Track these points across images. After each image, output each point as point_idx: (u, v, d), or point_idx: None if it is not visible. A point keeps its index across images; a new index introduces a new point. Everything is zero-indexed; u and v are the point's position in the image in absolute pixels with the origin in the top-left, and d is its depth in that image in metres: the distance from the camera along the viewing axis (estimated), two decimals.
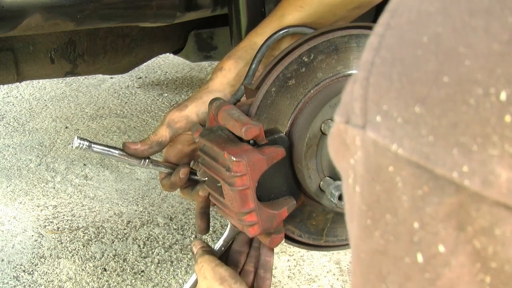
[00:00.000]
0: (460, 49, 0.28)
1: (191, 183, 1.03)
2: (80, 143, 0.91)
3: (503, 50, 0.27)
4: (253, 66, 0.98)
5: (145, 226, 2.04)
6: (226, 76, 0.97)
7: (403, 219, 0.30)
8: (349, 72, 0.97)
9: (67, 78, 3.17)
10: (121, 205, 2.16)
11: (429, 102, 0.29)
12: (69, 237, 2.00)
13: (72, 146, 0.92)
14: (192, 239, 1.96)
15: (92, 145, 0.92)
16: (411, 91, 0.29)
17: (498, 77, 0.27)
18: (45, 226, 2.05)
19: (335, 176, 0.96)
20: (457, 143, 0.28)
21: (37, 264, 1.87)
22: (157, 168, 0.99)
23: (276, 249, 1.88)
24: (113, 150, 0.95)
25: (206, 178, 0.95)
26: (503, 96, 0.27)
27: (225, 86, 0.97)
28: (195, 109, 0.95)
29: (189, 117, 0.95)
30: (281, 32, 0.97)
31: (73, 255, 1.91)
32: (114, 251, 1.93)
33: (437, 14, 0.30)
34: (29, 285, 1.79)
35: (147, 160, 0.97)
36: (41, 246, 1.95)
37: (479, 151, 0.27)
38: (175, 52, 1.86)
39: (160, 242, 1.97)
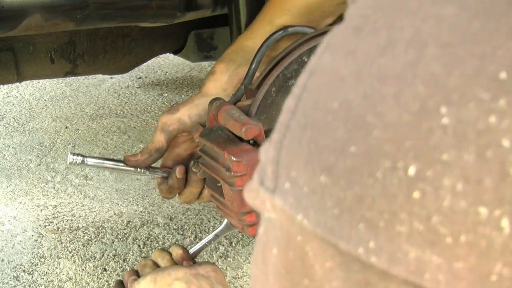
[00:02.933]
0: (369, 118, 0.27)
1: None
2: (73, 159, 0.92)
3: (412, 121, 0.26)
4: (253, 66, 0.98)
5: (145, 226, 2.04)
6: (218, 79, 0.98)
7: (320, 286, 0.29)
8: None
9: (67, 78, 3.17)
10: (121, 205, 2.16)
11: (335, 172, 0.27)
12: (69, 237, 2.00)
13: (66, 162, 0.93)
14: (192, 239, 1.97)
15: (86, 159, 0.93)
16: (318, 159, 0.28)
17: (407, 150, 0.26)
18: (45, 226, 2.05)
19: None
20: (363, 218, 0.27)
21: (37, 264, 1.87)
22: (154, 174, 0.99)
23: None
24: (107, 162, 0.96)
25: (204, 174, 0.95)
26: (411, 171, 0.26)
27: (218, 89, 0.98)
28: (187, 112, 0.96)
29: (181, 119, 0.95)
30: (280, 32, 0.97)
31: (73, 255, 1.91)
32: (114, 251, 1.93)
33: (350, 79, 0.28)
34: (29, 285, 1.79)
35: (143, 168, 0.97)
36: (41, 246, 1.95)
37: (386, 228, 0.26)
38: (175, 52, 1.86)
39: (160, 242, 1.97)
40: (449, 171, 0.25)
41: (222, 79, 0.97)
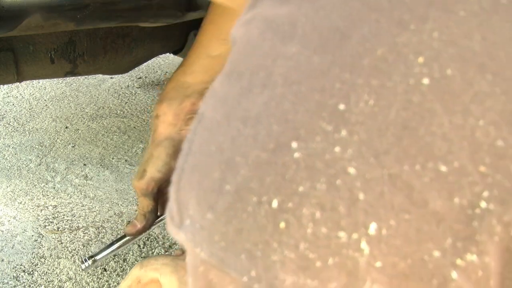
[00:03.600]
0: (236, 159, 0.29)
1: None
2: (86, 265, 0.95)
3: (270, 159, 0.28)
4: None
5: None
6: (164, 121, 0.97)
7: None
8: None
9: (67, 78, 3.17)
10: (121, 205, 2.16)
11: (217, 209, 0.30)
12: (69, 237, 2.00)
13: (82, 269, 0.97)
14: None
15: (97, 257, 0.97)
16: (204, 198, 0.31)
17: (268, 185, 0.28)
18: (45, 226, 2.05)
19: None
20: (243, 249, 0.29)
21: (37, 264, 1.87)
22: (161, 222, 1.02)
23: None
24: (116, 245, 1.00)
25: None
26: (275, 203, 0.28)
27: (168, 129, 0.98)
28: (154, 168, 0.96)
29: (154, 177, 0.97)
30: None
31: (73, 255, 1.91)
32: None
33: (222, 123, 0.31)
34: (29, 285, 1.79)
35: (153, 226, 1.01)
36: (41, 246, 1.95)
37: (262, 257, 0.28)
38: (175, 52, 1.86)
39: (160, 242, 1.97)
40: (306, 201, 0.28)
41: (167, 119, 0.97)
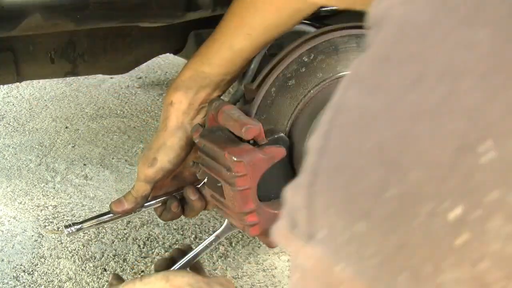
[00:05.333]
0: (404, 159, 0.25)
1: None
2: (68, 230, 0.93)
3: (452, 161, 0.24)
4: (252, 66, 0.98)
5: (145, 226, 2.04)
6: (179, 109, 0.96)
7: None
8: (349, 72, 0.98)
9: (67, 78, 3.17)
10: None
11: (373, 219, 0.26)
12: (69, 237, 1.99)
13: (64, 235, 0.96)
14: (192, 239, 1.97)
15: (82, 226, 0.95)
16: (354, 205, 0.26)
17: (448, 192, 0.24)
18: (45, 226, 2.05)
19: None
20: (404, 267, 0.25)
21: (37, 264, 1.87)
22: (149, 207, 1.00)
23: (276, 249, 1.88)
24: (103, 218, 0.98)
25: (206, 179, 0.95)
26: (453, 214, 0.24)
27: (181, 118, 0.96)
28: (166, 158, 0.96)
29: (164, 168, 0.96)
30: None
31: (73, 255, 1.91)
32: (114, 251, 1.92)
33: (380, 117, 0.27)
34: (29, 285, 1.79)
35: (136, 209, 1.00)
36: (41, 246, 1.95)
37: (429, 278, 0.24)
38: (175, 52, 1.86)
39: (160, 242, 1.97)
40: (495, 213, 0.23)
41: (182, 107, 0.96)
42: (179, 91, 0.96)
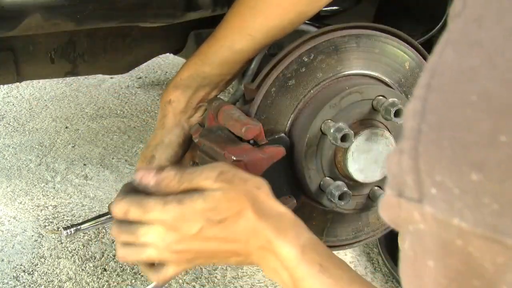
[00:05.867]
0: None
1: None
2: (67, 232, 0.93)
3: None
4: (252, 65, 0.98)
5: None
6: (177, 107, 0.96)
7: (493, 283, 0.27)
8: (349, 72, 0.97)
9: (67, 78, 3.17)
10: None
11: (487, 167, 0.25)
12: (67, 239, 1.99)
13: (63, 237, 0.96)
14: None
15: (80, 227, 0.95)
16: (465, 157, 0.26)
17: None
18: (45, 226, 2.05)
19: (335, 176, 0.96)
20: None
21: (37, 264, 1.87)
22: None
23: None
24: (101, 219, 0.98)
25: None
26: None
27: (179, 116, 0.96)
28: (163, 156, 0.95)
29: (162, 166, 0.96)
30: None
31: (73, 255, 1.91)
32: (114, 251, 1.92)
33: (482, 69, 0.27)
34: (29, 285, 1.79)
35: None
36: (41, 246, 1.95)
37: None
38: (175, 52, 1.86)
39: None
40: None
41: (180, 106, 0.96)
42: (177, 89, 0.96)
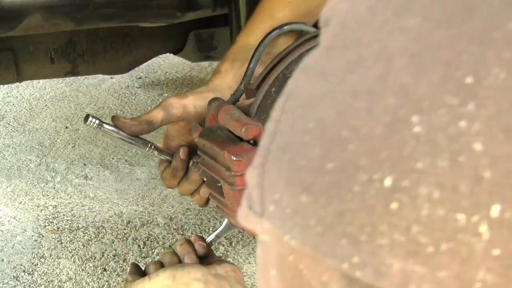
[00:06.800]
0: (343, 133, 0.28)
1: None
2: (90, 121, 0.91)
3: (385, 133, 0.26)
4: (251, 65, 0.98)
5: (145, 226, 2.04)
6: (224, 78, 0.98)
7: None
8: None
9: (67, 78, 3.17)
10: (121, 205, 2.16)
11: (315, 190, 0.28)
12: (69, 237, 2.00)
13: (83, 123, 0.93)
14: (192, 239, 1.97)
15: (103, 125, 0.93)
16: (297, 179, 0.29)
17: (382, 161, 0.26)
18: (45, 226, 2.05)
19: None
20: (345, 233, 0.27)
21: (37, 264, 1.88)
22: (161, 155, 0.99)
23: None
24: (122, 132, 0.96)
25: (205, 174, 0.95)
26: (387, 182, 0.26)
27: (224, 87, 0.98)
28: (194, 101, 0.96)
29: (187, 106, 0.95)
30: (276, 31, 0.97)
31: (73, 255, 1.91)
32: (114, 251, 1.93)
33: (324, 98, 0.29)
34: (29, 285, 1.79)
35: (152, 146, 0.97)
36: (41, 246, 1.95)
37: (368, 241, 0.26)
38: (175, 52, 1.86)
39: (160, 242, 1.97)
40: (424, 180, 0.26)
41: (227, 77, 0.98)
42: (226, 62, 0.99)
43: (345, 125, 0.28)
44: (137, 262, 1.78)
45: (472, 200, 0.25)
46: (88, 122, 0.91)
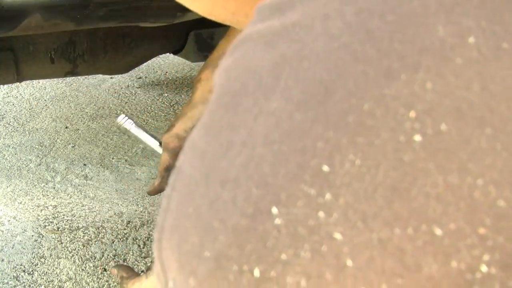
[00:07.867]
0: (214, 224, 0.28)
1: None
2: (125, 119, 0.93)
3: (249, 225, 0.27)
4: None
5: (145, 226, 2.05)
6: (205, 86, 0.99)
7: None
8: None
9: (67, 78, 3.18)
10: (121, 205, 2.16)
11: (199, 276, 0.29)
12: (69, 237, 2.00)
13: (116, 121, 0.95)
14: None
15: (131, 127, 0.95)
16: (185, 262, 0.29)
17: (249, 253, 0.27)
18: (45, 226, 2.05)
19: None
20: None
21: (37, 264, 1.88)
22: None
23: None
24: (152, 140, 0.99)
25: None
26: (256, 272, 0.27)
27: (206, 94, 0.99)
28: (182, 126, 0.98)
29: (178, 134, 0.98)
30: None
31: (73, 255, 1.91)
32: (114, 251, 1.93)
33: (200, 183, 0.29)
34: (29, 285, 1.79)
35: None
36: (41, 246, 1.95)
37: None
38: (175, 52, 1.87)
39: None
40: (290, 270, 0.26)
41: (209, 84, 0.99)
42: (207, 69, 1.00)
43: (215, 216, 0.28)
44: (137, 262, 1.78)
45: (338, 286, 0.25)
46: (121, 119, 0.93)
